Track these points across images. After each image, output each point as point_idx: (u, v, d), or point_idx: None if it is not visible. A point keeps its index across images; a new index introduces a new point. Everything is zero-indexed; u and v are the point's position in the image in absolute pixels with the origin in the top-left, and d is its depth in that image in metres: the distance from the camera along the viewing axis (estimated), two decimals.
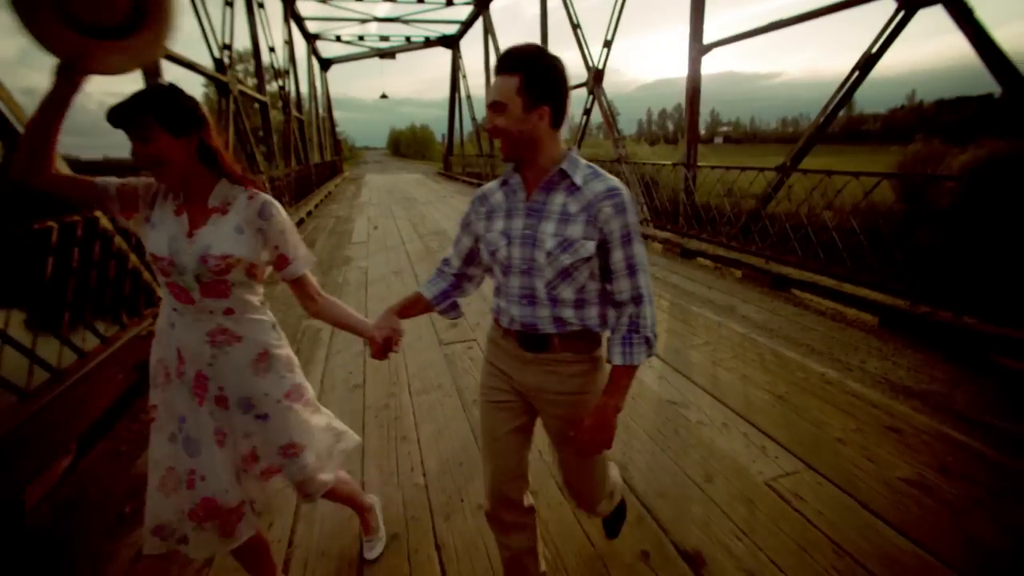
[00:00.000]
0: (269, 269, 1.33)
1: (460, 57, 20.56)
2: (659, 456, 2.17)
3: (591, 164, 1.15)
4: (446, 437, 2.36)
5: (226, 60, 7.66)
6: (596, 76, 8.99)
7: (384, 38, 20.09)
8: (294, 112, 13.52)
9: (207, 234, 1.20)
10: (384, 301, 4.49)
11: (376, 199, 13.89)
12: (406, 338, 3.78)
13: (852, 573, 1.56)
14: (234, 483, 1.29)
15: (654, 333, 1.13)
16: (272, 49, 11.64)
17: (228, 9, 8.03)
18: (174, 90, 1.15)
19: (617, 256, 1.09)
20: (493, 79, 1.08)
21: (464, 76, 20.09)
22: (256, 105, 10.72)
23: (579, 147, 10.07)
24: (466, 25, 18.91)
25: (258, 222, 1.24)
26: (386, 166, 46.65)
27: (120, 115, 1.10)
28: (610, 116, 8.77)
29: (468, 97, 19.65)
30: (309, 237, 7.97)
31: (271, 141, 10.71)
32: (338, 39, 19.52)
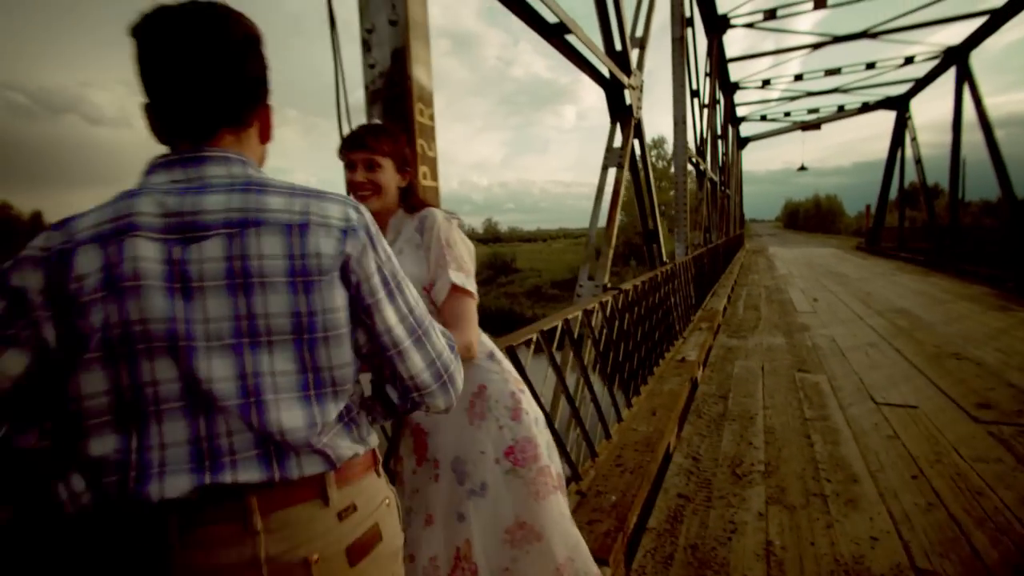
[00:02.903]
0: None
1: (910, 117, 17.97)
2: None
3: None
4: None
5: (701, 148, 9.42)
6: None
7: (813, 110, 19.66)
8: (728, 190, 14.91)
9: None
10: (875, 368, 4.52)
11: (796, 272, 13.51)
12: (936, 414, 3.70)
13: None
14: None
15: None
16: (721, 137, 13.36)
17: (705, 110, 9.92)
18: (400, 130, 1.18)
19: None
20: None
21: (915, 138, 17.39)
22: (708, 184, 12.54)
23: None
24: (923, 82, 16.51)
25: (416, 237, 1.11)
26: (784, 239, 43.99)
27: (356, 139, 1.12)
28: None
29: (919, 161, 16.85)
30: (749, 302, 8.58)
31: (713, 215, 12.21)
32: (763, 118, 20.32)
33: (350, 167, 1.12)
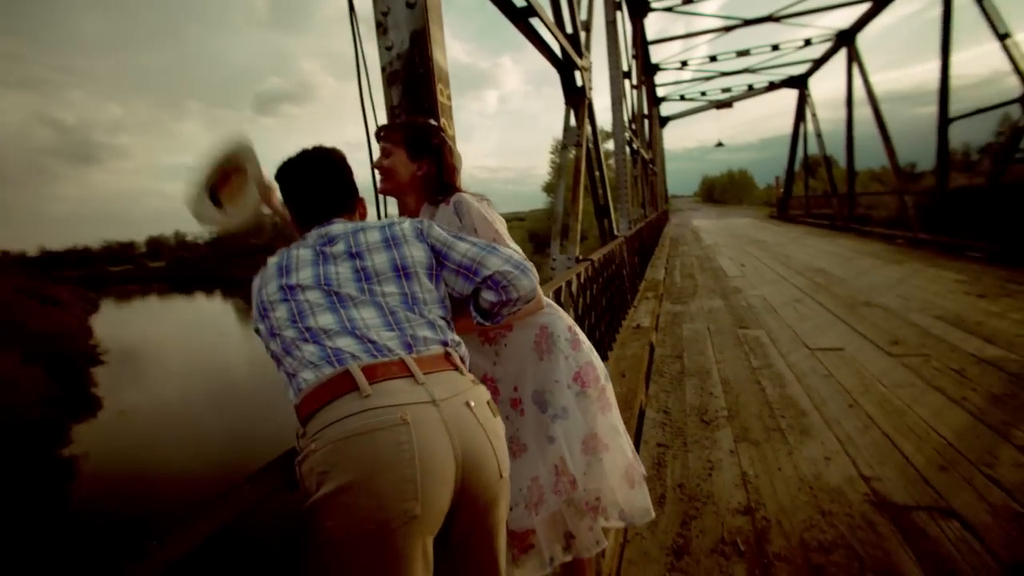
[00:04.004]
0: None
1: (809, 95, 19.60)
2: None
3: None
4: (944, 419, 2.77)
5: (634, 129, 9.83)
6: None
7: (726, 89, 20.94)
8: (654, 167, 15.64)
9: None
10: (803, 320, 5.05)
11: (721, 241, 14.48)
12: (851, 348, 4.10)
13: None
14: (530, 506, 1.22)
15: None
16: (647, 116, 13.97)
17: (635, 91, 10.34)
18: (429, 126, 1.34)
19: None
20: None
21: (814, 114, 19.01)
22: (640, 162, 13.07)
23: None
24: (820, 62, 18.03)
25: (455, 221, 1.25)
26: (704, 212, 46.55)
27: (378, 131, 1.34)
28: None
29: (819, 135, 18.47)
30: (685, 271, 9.16)
31: (645, 191, 12.79)
32: (682, 98, 21.38)
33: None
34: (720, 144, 26.81)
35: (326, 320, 0.91)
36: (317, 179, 1.12)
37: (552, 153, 54.29)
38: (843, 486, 2.22)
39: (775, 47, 15.84)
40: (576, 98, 4.04)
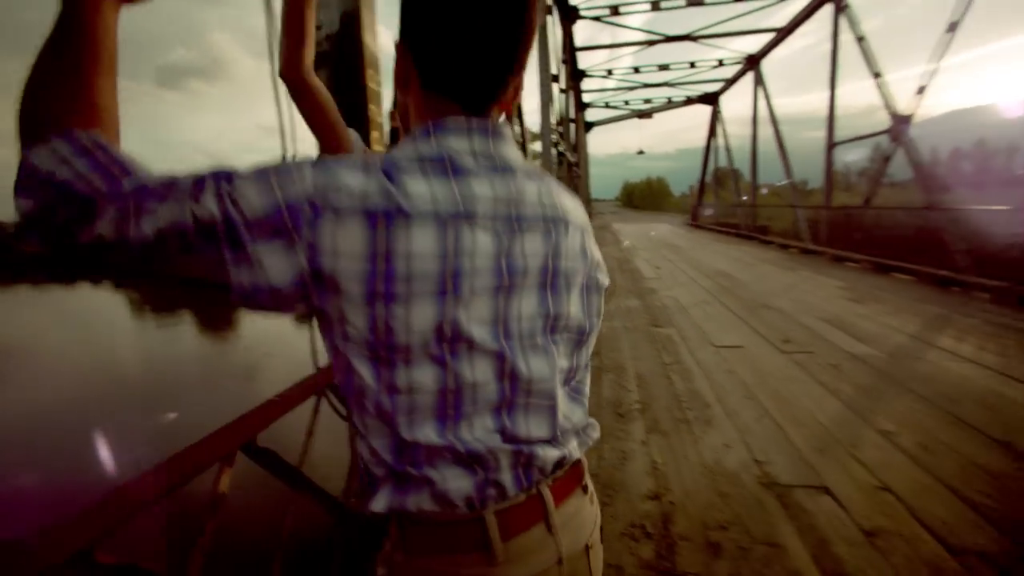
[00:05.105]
0: None
1: (720, 111, 21.16)
2: None
3: None
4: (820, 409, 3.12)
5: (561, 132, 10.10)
6: (901, 121, 8.68)
7: (647, 100, 22.07)
8: (579, 171, 16.17)
9: None
10: (710, 320, 5.45)
11: (640, 245, 15.26)
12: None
13: None
14: None
15: None
16: (572, 120, 14.40)
17: (562, 95, 10.62)
18: None
19: None
20: None
21: (725, 130, 20.57)
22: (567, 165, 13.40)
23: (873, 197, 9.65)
24: (731, 82, 19.51)
25: None
26: (624, 217, 48.87)
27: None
28: (920, 162, 8.34)
29: (728, 149, 20.01)
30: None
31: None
32: (607, 105, 22.25)
33: None
34: (641, 152, 28.34)
35: (485, 427, 0.58)
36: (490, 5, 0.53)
37: None
38: (739, 470, 2.43)
39: (692, 64, 16.92)
40: None
